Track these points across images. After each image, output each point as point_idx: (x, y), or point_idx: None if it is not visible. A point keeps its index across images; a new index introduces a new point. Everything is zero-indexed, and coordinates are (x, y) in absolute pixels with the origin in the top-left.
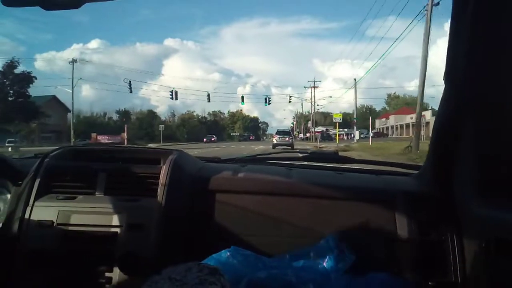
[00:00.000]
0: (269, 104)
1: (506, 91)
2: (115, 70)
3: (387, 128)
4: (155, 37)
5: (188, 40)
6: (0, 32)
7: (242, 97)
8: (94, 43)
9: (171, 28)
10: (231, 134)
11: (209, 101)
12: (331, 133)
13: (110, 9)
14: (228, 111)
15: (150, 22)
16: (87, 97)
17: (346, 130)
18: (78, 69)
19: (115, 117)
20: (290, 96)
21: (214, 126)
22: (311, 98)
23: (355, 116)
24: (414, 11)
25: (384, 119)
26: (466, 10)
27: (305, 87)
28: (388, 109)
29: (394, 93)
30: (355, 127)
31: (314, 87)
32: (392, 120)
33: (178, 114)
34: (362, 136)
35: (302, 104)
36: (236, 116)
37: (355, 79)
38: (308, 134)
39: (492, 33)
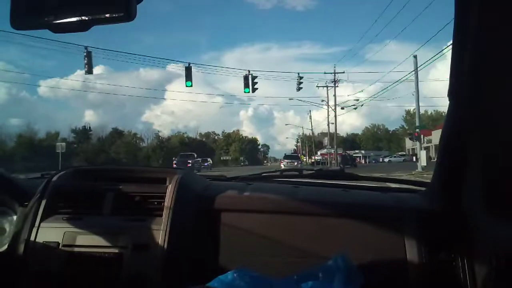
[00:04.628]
0: (253, 91)
1: (511, 106)
2: (118, 96)
3: (426, 148)
4: (158, 62)
5: (191, 65)
6: (4, 59)
7: (187, 69)
8: (97, 69)
9: (174, 54)
10: (223, 158)
11: None
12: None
13: (114, 35)
14: (223, 132)
15: (153, 48)
16: (93, 123)
17: (363, 152)
18: (81, 96)
19: (70, 137)
20: (301, 78)
21: (201, 148)
22: (330, 99)
23: (417, 124)
24: (414, 37)
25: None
26: (468, 27)
27: (317, 86)
28: (407, 127)
29: (414, 110)
30: (419, 144)
31: (335, 81)
32: (436, 138)
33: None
34: (387, 159)
35: (310, 116)
36: (232, 138)
37: (415, 56)
38: (315, 157)
39: (495, 50)
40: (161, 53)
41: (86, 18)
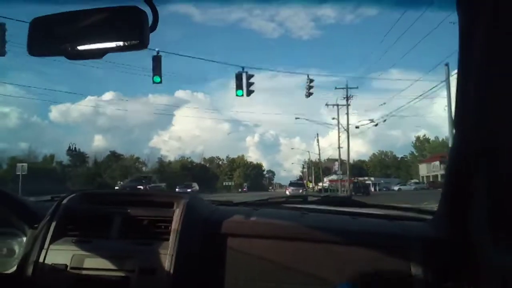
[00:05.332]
0: (248, 94)
1: None
2: (127, 121)
3: (443, 175)
4: (166, 88)
5: (198, 91)
6: (17, 84)
7: (155, 60)
8: (108, 95)
9: (181, 81)
10: (226, 183)
11: None
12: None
13: (124, 62)
14: (227, 157)
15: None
16: (97, 147)
17: (372, 179)
18: (91, 121)
19: (66, 160)
20: (311, 81)
21: (204, 173)
22: (342, 116)
23: (450, 145)
24: (420, 65)
25: (436, 162)
26: (472, 57)
27: (327, 105)
28: (416, 154)
29: (424, 136)
30: None
31: (347, 98)
32: None
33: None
34: (396, 188)
35: (318, 140)
36: (236, 163)
37: (447, 64)
38: (323, 184)
39: (501, 78)
40: (169, 79)
41: (101, 46)
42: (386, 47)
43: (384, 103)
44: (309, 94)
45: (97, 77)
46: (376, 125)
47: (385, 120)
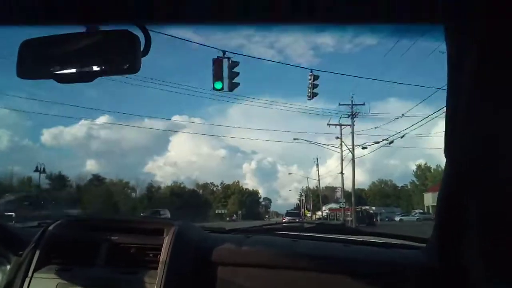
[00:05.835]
0: (231, 88)
1: (507, 161)
2: (122, 146)
3: None
4: (163, 113)
5: (196, 117)
6: (9, 106)
7: None
8: (102, 119)
9: (179, 107)
10: (219, 211)
11: None
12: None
13: (119, 86)
14: (221, 183)
15: (157, 99)
16: (91, 172)
17: (374, 208)
18: (85, 146)
19: (45, 183)
20: (315, 78)
21: (194, 199)
22: (342, 133)
23: None
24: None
25: None
26: (461, 85)
27: (329, 124)
28: (417, 183)
29: (425, 164)
30: None
31: (353, 115)
32: None
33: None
34: (397, 218)
35: (317, 164)
36: (231, 189)
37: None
38: (322, 213)
39: (489, 106)
40: (165, 105)
41: (92, 69)
42: (382, 76)
43: (402, 115)
44: (312, 95)
45: (92, 99)
46: (391, 142)
47: (402, 136)
